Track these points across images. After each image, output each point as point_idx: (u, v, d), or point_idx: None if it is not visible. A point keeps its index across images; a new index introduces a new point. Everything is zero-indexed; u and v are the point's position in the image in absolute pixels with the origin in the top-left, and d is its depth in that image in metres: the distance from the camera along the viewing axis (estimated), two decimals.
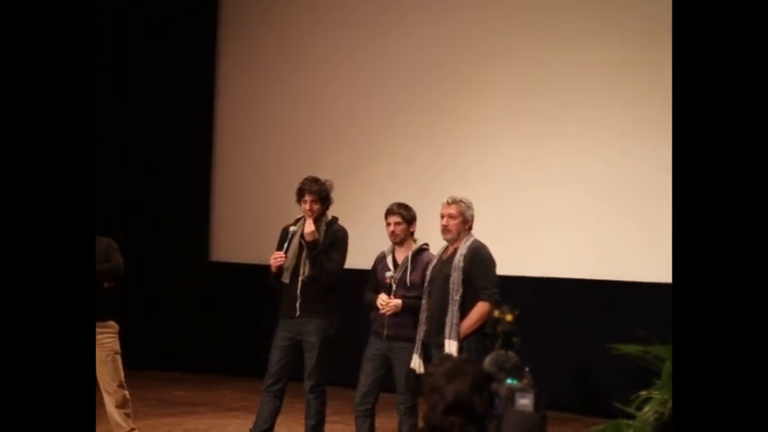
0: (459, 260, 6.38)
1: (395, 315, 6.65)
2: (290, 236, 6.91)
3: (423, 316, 6.53)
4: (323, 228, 6.90)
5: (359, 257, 7.10)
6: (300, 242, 6.88)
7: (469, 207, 6.54)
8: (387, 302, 6.66)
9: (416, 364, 6.49)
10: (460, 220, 6.49)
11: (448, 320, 6.33)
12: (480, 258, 6.41)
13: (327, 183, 6.92)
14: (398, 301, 6.66)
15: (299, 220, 6.99)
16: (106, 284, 6.49)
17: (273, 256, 6.94)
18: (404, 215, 6.81)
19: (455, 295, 6.34)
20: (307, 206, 6.87)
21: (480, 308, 6.28)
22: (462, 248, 6.42)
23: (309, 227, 6.83)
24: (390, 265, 6.79)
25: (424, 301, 6.54)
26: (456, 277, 6.35)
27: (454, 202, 6.53)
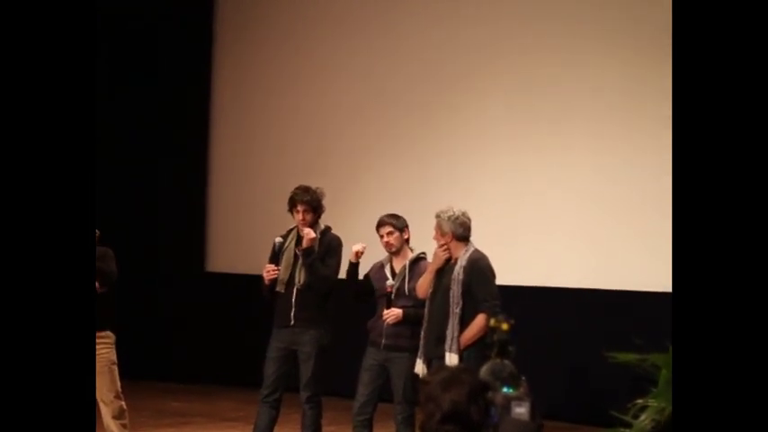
0: (458, 272, 6.34)
1: (394, 325, 6.64)
2: (276, 247, 6.88)
3: (425, 325, 6.51)
4: (316, 236, 6.86)
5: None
6: (295, 252, 6.86)
7: (449, 219, 6.42)
8: (388, 313, 6.65)
9: (419, 368, 6.45)
10: (443, 234, 6.43)
11: (448, 333, 6.30)
12: (480, 271, 6.37)
13: (318, 190, 6.87)
14: (399, 311, 6.64)
15: (290, 231, 6.96)
16: (98, 288, 6.35)
17: (265, 269, 6.90)
18: (394, 224, 6.79)
19: (455, 308, 6.31)
20: (299, 216, 6.83)
21: (479, 320, 6.24)
22: (462, 260, 6.39)
23: (310, 234, 6.78)
24: (389, 275, 6.78)
25: (426, 310, 6.51)
26: (456, 290, 6.32)
27: (436, 217, 6.50)
